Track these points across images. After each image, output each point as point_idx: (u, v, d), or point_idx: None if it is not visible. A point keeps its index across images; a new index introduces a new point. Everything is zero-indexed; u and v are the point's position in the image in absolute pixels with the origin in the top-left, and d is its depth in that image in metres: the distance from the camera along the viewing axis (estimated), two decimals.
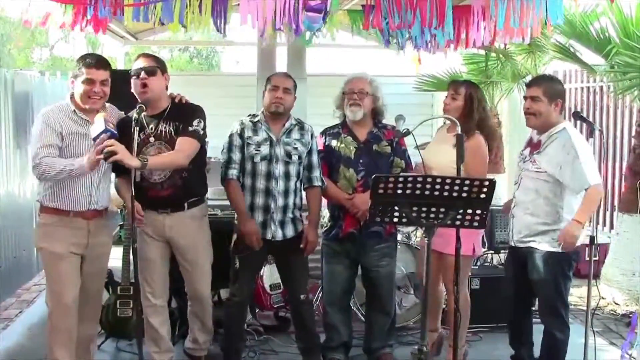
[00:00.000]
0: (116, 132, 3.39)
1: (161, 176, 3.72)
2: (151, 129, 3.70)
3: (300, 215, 4.01)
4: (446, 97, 4.15)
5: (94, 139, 3.37)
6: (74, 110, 3.52)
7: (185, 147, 3.62)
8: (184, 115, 3.73)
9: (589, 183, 3.61)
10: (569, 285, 3.82)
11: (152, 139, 3.69)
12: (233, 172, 3.87)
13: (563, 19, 4.10)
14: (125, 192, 3.71)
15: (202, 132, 3.71)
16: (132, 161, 3.31)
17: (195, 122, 3.69)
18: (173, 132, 3.69)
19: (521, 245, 3.84)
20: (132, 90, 3.69)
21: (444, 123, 4.32)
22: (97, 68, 3.47)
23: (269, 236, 3.88)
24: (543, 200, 3.75)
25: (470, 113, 3.98)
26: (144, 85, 3.62)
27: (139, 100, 3.63)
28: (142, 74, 3.62)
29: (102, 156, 3.27)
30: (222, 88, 9.01)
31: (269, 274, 4.68)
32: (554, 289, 3.75)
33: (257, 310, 4.84)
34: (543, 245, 3.74)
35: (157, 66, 3.68)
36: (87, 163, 3.34)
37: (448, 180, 3.02)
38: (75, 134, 3.50)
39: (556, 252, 3.70)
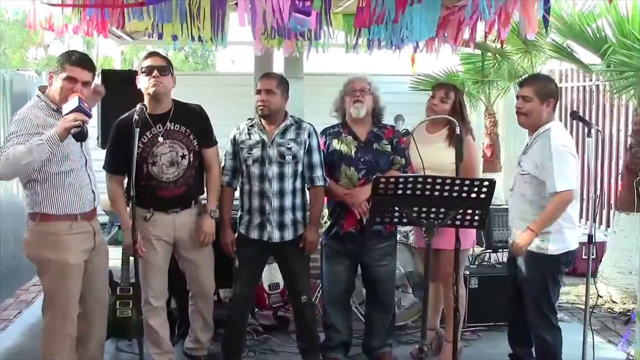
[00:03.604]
0: (90, 113, 3.22)
1: (175, 174, 3.74)
2: (158, 128, 3.72)
3: (304, 218, 4.00)
4: (433, 97, 4.17)
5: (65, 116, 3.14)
6: (55, 109, 3.34)
7: (216, 160, 3.91)
8: (193, 118, 3.82)
9: (555, 189, 3.53)
10: (557, 289, 3.78)
11: (160, 139, 3.71)
12: (224, 179, 3.97)
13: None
14: (120, 199, 3.73)
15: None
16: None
17: (210, 128, 3.89)
18: (187, 131, 3.75)
19: None
20: (140, 86, 3.70)
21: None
22: (83, 68, 3.34)
23: (265, 237, 3.90)
24: (529, 204, 3.70)
25: (462, 117, 4.07)
26: (156, 81, 3.63)
27: (150, 95, 3.65)
28: (155, 72, 3.63)
29: (77, 123, 3.06)
30: (218, 88, 8.99)
31: (268, 274, 4.67)
32: (539, 291, 3.70)
33: (256, 310, 4.84)
34: (531, 247, 3.65)
35: (168, 66, 3.70)
36: (61, 130, 3.07)
37: (448, 181, 3.04)
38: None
39: (544, 254, 3.65)
